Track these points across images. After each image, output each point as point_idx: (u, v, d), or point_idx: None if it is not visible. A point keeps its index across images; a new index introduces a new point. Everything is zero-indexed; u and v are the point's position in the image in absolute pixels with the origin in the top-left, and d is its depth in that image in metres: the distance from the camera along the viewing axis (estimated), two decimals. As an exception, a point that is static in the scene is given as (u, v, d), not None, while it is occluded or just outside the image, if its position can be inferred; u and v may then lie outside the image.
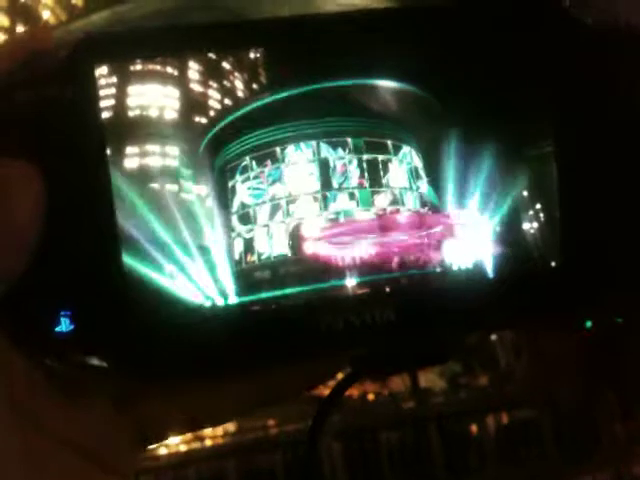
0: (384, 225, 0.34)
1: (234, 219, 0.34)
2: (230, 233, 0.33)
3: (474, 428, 1.83)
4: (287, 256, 0.33)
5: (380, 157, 0.36)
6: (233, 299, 0.32)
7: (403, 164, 0.36)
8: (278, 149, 0.34)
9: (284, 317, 0.31)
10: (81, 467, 0.29)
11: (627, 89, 0.33)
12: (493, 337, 1.78)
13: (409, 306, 0.32)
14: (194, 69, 0.33)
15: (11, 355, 0.28)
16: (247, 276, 0.33)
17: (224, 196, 0.34)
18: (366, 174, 0.35)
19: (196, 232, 0.32)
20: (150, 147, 0.32)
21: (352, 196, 0.35)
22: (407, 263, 0.33)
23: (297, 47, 0.33)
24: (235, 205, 0.34)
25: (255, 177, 0.35)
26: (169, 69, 0.32)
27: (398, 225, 0.34)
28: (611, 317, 0.37)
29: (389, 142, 0.36)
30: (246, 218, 0.34)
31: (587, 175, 0.33)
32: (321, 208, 0.34)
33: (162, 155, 0.32)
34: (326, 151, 0.34)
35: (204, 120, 0.33)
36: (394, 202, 0.35)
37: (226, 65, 0.34)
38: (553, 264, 0.33)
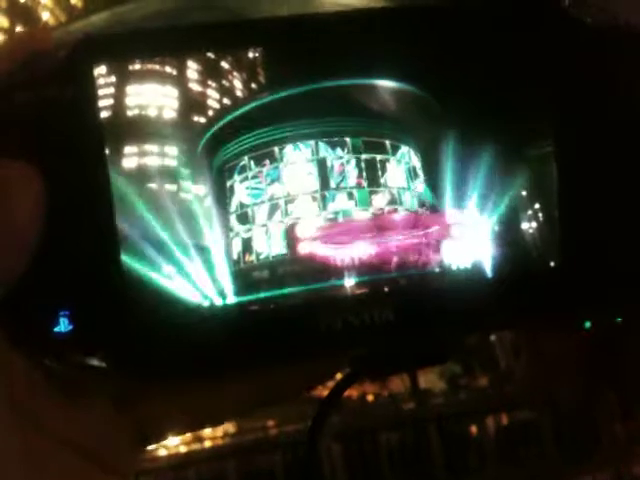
0: (381, 225, 0.34)
1: (232, 219, 0.34)
2: (228, 233, 0.33)
3: (474, 429, 1.82)
4: (286, 256, 0.33)
5: (378, 157, 0.36)
6: (231, 299, 0.32)
7: (401, 164, 0.36)
8: (276, 149, 0.34)
9: (283, 317, 0.31)
10: (81, 467, 0.29)
11: (627, 89, 0.33)
12: (493, 337, 1.77)
13: (408, 306, 0.32)
14: (193, 69, 0.33)
15: (11, 355, 0.28)
16: (245, 276, 0.33)
17: (222, 196, 0.34)
18: (364, 174, 0.35)
19: (194, 232, 0.32)
20: (149, 147, 0.32)
21: (350, 196, 0.34)
22: (406, 263, 0.33)
23: (296, 47, 0.33)
24: (233, 205, 0.34)
25: (253, 177, 0.35)
26: (168, 69, 0.32)
27: (396, 225, 0.34)
28: (611, 317, 0.37)
29: (387, 142, 0.36)
30: (244, 218, 0.34)
31: (586, 175, 0.33)
32: (320, 208, 0.34)
33: (161, 155, 0.32)
34: (324, 151, 0.34)
35: (203, 120, 0.33)
36: (392, 202, 0.35)
37: (225, 65, 0.34)
38: (552, 264, 0.33)
